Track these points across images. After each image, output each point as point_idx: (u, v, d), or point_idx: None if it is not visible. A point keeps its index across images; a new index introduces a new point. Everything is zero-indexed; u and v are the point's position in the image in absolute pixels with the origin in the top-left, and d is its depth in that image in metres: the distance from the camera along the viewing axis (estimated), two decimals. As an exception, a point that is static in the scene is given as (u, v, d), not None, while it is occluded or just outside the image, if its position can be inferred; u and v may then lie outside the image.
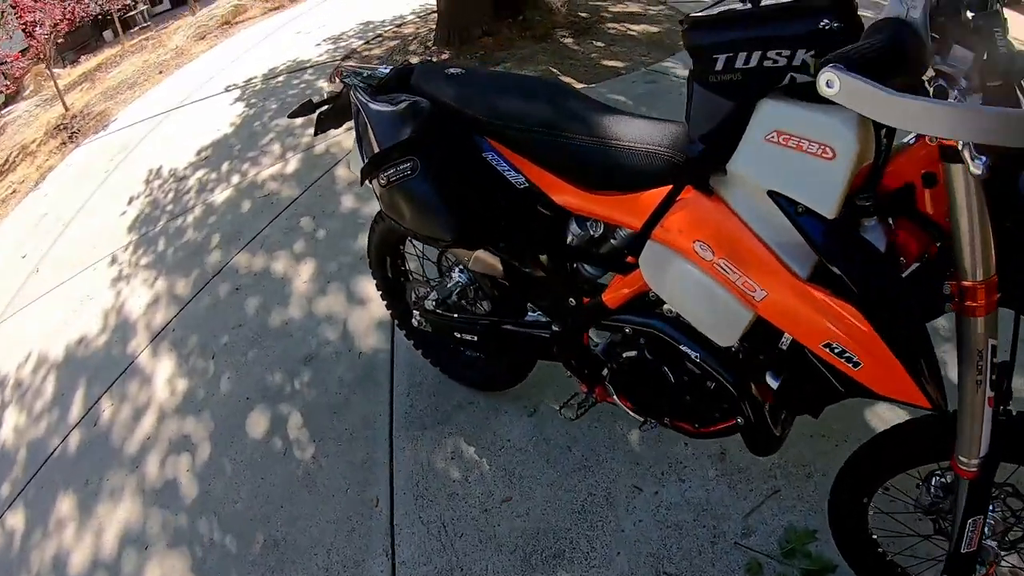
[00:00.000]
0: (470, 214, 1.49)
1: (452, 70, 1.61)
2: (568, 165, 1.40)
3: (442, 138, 1.49)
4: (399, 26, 6.90)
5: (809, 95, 1.04)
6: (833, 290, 1.07)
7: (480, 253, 1.68)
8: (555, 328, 1.65)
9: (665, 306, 1.41)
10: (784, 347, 1.26)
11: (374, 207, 3.66)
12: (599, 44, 5.41)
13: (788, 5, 1.07)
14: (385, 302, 2.28)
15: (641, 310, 1.45)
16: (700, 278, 1.22)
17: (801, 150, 1.04)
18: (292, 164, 4.25)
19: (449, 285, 1.91)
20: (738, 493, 1.82)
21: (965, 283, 1.00)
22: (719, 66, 1.08)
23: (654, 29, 5.69)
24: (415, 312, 1.96)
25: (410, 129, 1.46)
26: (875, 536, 1.47)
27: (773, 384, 1.29)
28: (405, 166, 1.46)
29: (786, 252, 1.12)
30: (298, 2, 9.77)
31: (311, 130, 4.87)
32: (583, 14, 6.17)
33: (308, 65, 6.20)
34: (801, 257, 1.11)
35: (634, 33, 5.63)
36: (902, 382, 1.06)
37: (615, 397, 1.65)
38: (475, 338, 1.84)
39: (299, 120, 4.95)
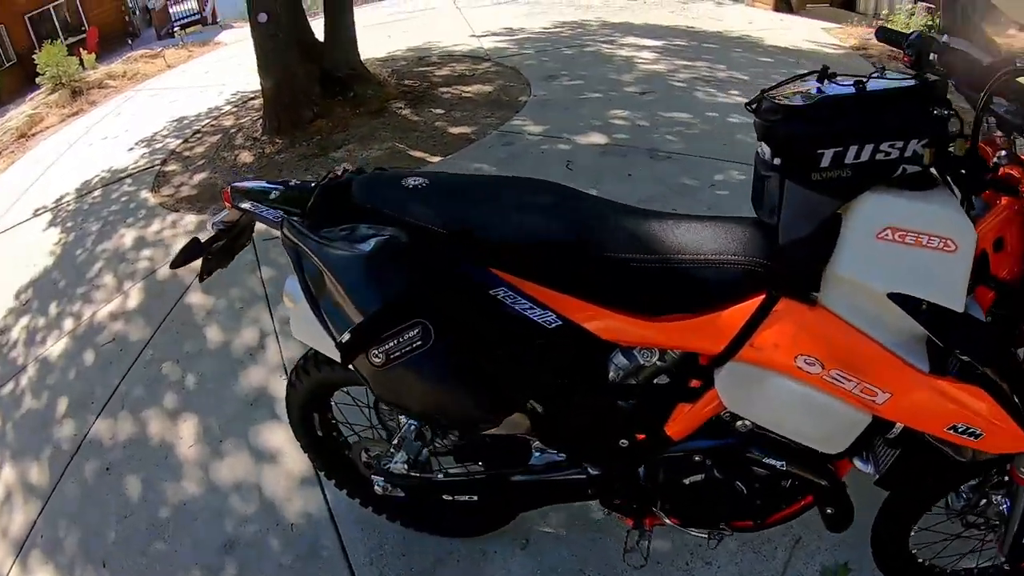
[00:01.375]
0: (509, 382, 1.17)
1: (411, 181, 1.25)
2: (619, 291, 1.14)
3: (450, 285, 1.13)
4: (216, 119, 6.39)
5: (912, 185, 0.98)
6: (957, 375, 1.05)
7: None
8: (592, 471, 1.39)
9: (740, 422, 1.24)
10: (894, 435, 1.20)
11: (248, 338, 3.30)
12: (438, 111, 5.26)
13: (894, 91, 0.97)
14: (316, 464, 1.91)
15: (712, 433, 1.28)
16: (807, 393, 1.12)
17: (921, 245, 0.98)
18: (133, 297, 3.64)
19: (406, 434, 1.56)
20: (765, 556, 1.79)
21: None
22: (826, 162, 0.96)
23: (488, 88, 5.63)
24: (376, 478, 1.58)
25: (401, 279, 1.08)
26: (913, 551, 1.53)
27: (865, 469, 1.28)
28: (411, 335, 1.06)
29: (907, 351, 1.07)
30: (99, 104, 8.88)
31: (147, 252, 4.31)
32: (411, 82, 6.02)
33: (124, 175, 5.52)
34: (921, 352, 1.07)
35: (469, 95, 5.55)
36: (1018, 437, 1.08)
37: (668, 520, 1.44)
38: (475, 498, 1.52)
39: (128, 241, 4.38)
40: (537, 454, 1.47)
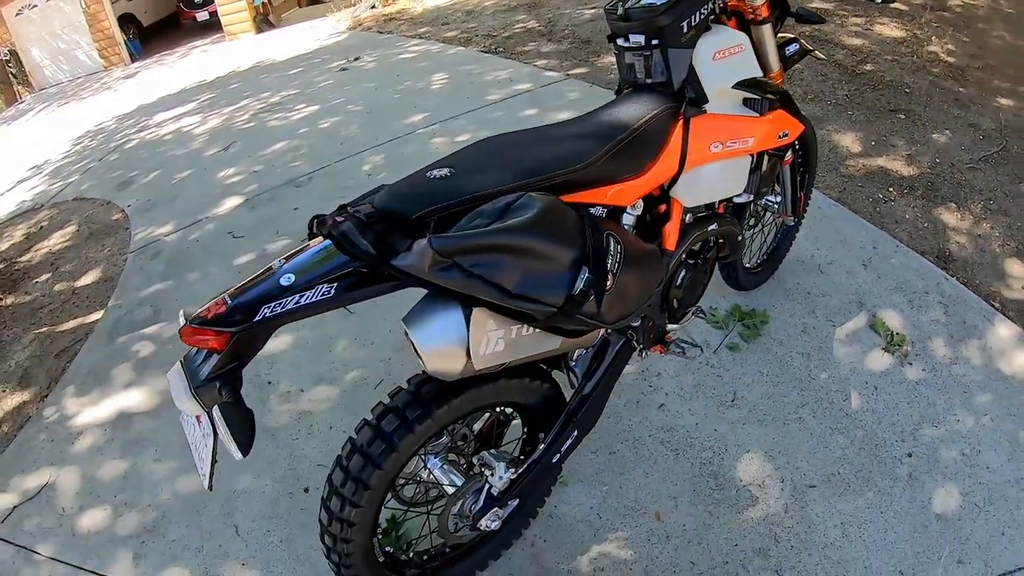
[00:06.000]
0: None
1: (435, 172, 1.28)
2: (618, 168, 1.44)
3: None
4: None
5: (706, 27, 1.63)
6: (768, 109, 1.74)
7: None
8: (633, 326, 1.70)
9: (689, 214, 1.73)
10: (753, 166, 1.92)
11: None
12: (43, 278, 4.07)
13: None
14: None
15: (688, 230, 1.73)
16: (723, 164, 1.70)
17: (732, 54, 1.67)
18: None
19: (445, 468, 1.54)
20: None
21: (772, 73, 1.88)
22: (686, 28, 1.55)
23: (72, 228, 4.66)
24: (491, 515, 1.54)
25: (572, 215, 1.28)
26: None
27: (747, 198, 1.93)
28: (613, 246, 1.34)
29: (745, 110, 1.73)
30: None
31: None
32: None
33: None
34: (749, 110, 1.73)
35: (60, 246, 4.49)
36: (797, 126, 1.91)
37: (678, 325, 1.87)
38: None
39: None
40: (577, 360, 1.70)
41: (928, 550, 1.77)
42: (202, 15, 12.44)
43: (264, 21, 10.47)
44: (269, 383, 2.56)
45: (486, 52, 5.84)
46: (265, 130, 5.22)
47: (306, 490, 2.12)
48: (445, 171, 1.28)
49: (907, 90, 4.13)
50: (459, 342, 1.22)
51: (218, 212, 4.09)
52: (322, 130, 4.87)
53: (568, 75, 4.90)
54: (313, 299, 1.12)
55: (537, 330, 1.33)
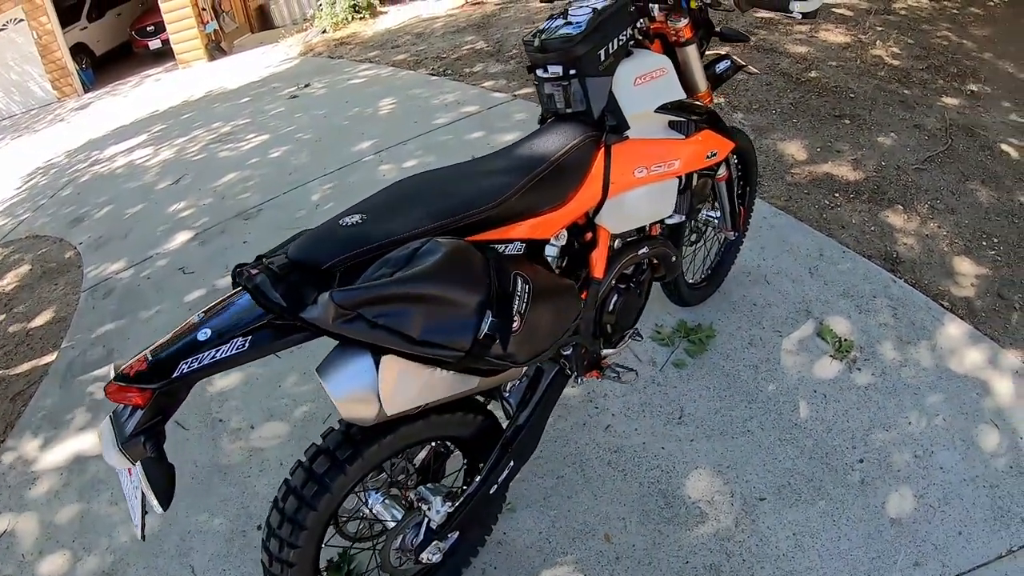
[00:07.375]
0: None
1: (348, 220, 1.28)
2: (535, 202, 1.44)
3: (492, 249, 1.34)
4: None
5: (627, 52, 1.66)
6: (694, 130, 1.76)
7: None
8: (564, 354, 1.69)
9: (617, 239, 1.75)
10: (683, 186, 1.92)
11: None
12: None
13: (612, 5, 1.57)
14: None
15: (613, 264, 1.72)
16: (649, 188, 1.71)
17: (654, 79, 1.68)
18: None
19: (385, 502, 1.53)
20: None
21: (699, 94, 1.90)
22: (603, 57, 1.56)
23: (25, 268, 4.62)
24: (432, 548, 1.52)
25: (477, 258, 1.26)
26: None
27: (678, 219, 1.96)
28: (520, 287, 1.30)
29: (670, 133, 1.75)
30: None
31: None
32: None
33: None
34: (674, 132, 1.75)
35: (12, 286, 4.47)
36: (726, 144, 1.91)
37: (613, 350, 1.86)
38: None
39: None
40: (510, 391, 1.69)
41: (883, 555, 1.78)
42: (155, 43, 12.37)
43: (216, 48, 10.43)
44: (220, 421, 2.52)
45: (435, 75, 5.88)
46: (215, 161, 5.20)
47: (259, 527, 2.09)
48: (357, 218, 1.28)
49: (852, 95, 4.21)
50: (370, 389, 1.22)
51: (169, 247, 4.05)
52: (272, 160, 4.86)
53: (515, 96, 4.95)
54: (229, 353, 1.13)
55: (451, 372, 1.32)
